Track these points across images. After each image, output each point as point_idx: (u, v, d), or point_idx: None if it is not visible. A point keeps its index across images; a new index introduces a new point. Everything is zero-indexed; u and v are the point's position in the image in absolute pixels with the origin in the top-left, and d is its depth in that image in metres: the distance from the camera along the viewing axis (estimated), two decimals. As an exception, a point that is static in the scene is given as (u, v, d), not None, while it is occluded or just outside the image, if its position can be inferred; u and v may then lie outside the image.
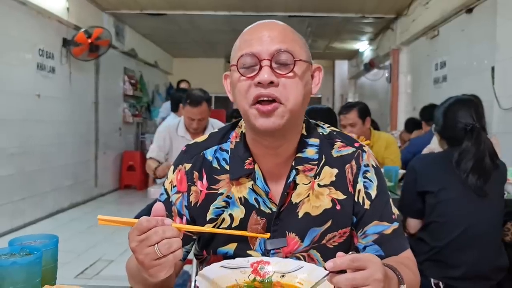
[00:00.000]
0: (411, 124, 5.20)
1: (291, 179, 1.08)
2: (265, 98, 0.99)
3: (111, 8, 7.06)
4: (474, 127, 2.01)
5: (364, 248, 1.09)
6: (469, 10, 4.90)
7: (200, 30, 8.56)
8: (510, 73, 3.92)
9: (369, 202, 1.10)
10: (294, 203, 1.09)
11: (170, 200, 1.14)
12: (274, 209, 1.08)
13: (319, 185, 1.10)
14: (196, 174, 1.13)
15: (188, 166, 1.14)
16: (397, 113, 7.12)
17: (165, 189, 1.16)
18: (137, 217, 0.89)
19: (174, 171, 1.16)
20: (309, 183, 1.09)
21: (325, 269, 0.79)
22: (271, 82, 0.98)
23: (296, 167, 1.09)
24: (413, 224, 2.12)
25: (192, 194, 1.13)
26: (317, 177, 1.10)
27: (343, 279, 0.76)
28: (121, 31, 7.88)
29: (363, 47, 9.75)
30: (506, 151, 3.32)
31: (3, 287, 0.84)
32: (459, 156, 1.99)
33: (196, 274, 0.94)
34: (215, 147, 1.15)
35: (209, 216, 1.11)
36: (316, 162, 1.10)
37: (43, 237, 1.02)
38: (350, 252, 0.79)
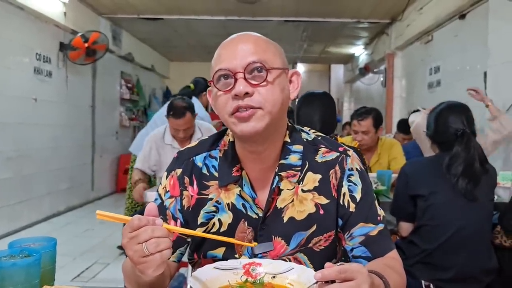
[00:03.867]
0: (403, 125, 5.30)
1: (274, 185, 1.12)
2: (243, 109, 1.02)
3: (108, 12, 7.09)
4: (464, 132, 2.06)
5: (352, 250, 1.13)
6: (462, 16, 4.96)
7: (196, 35, 8.60)
8: (501, 78, 3.97)
9: (354, 205, 1.13)
10: (279, 208, 1.12)
11: (164, 204, 1.18)
12: (261, 214, 1.12)
13: (302, 190, 1.13)
14: (187, 179, 1.17)
15: (179, 171, 1.18)
16: (392, 117, 7.17)
17: (159, 195, 1.20)
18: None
19: (167, 177, 1.20)
20: (293, 188, 1.13)
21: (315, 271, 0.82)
22: (247, 93, 1.01)
23: (279, 173, 1.12)
24: (405, 227, 2.16)
25: (184, 198, 1.17)
26: (301, 182, 1.13)
27: None
28: (118, 35, 7.91)
29: (359, 51, 9.82)
30: (497, 155, 3.36)
31: (4, 285, 0.87)
32: (449, 160, 2.04)
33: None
34: (204, 154, 1.19)
35: (200, 220, 1.15)
36: (299, 168, 1.13)
37: (42, 239, 1.06)
38: (338, 263, 0.83)
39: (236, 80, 1.02)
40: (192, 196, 1.16)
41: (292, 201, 1.13)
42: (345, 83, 12.25)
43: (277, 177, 1.12)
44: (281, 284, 1.01)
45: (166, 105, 3.44)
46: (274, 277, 1.03)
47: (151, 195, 3.36)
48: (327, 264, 0.82)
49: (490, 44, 4.13)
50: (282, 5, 6.64)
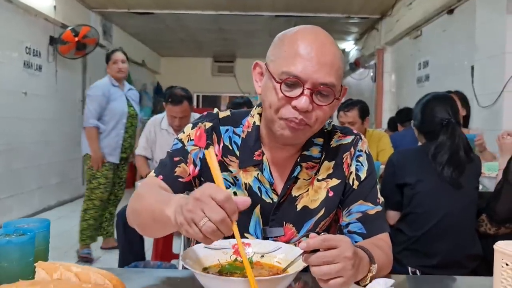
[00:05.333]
0: (393, 123, 5.40)
1: (295, 174, 1.15)
2: (296, 122, 1.04)
3: (98, 6, 7.06)
4: (449, 122, 2.10)
5: (347, 225, 1.17)
6: (450, 11, 5.02)
7: (187, 29, 8.59)
8: (488, 72, 4.04)
9: (357, 183, 1.18)
10: (293, 196, 1.17)
11: (186, 148, 1.19)
12: (275, 199, 1.16)
13: (317, 180, 1.18)
14: (215, 136, 1.19)
15: (208, 124, 1.19)
16: (382, 112, 7.23)
17: (180, 139, 1.21)
18: None
19: (193, 127, 1.20)
20: (309, 179, 1.17)
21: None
22: (306, 110, 1.03)
23: (301, 163, 1.15)
24: (392, 216, 2.20)
25: None
26: (317, 173, 1.18)
27: (314, 258, 0.84)
28: (108, 29, 7.88)
29: (349, 46, 9.86)
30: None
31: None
32: (435, 149, 2.08)
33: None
34: (228, 127, 1.20)
35: None
36: (319, 160, 1.17)
37: (35, 221, 1.08)
38: (322, 233, 0.87)
39: (303, 92, 1.02)
40: (216, 155, 1.14)
41: (307, 190, 1.17)
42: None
43: (298, 167, 1.15)
44: (269, 262, 1.05)
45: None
46: (262, 256, 1.07)
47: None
48: (311, 235, 0.86)
49: (477, 38, 4.19)
50: (273, 0, 6.66)
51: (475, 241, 2.09)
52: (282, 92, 1.03)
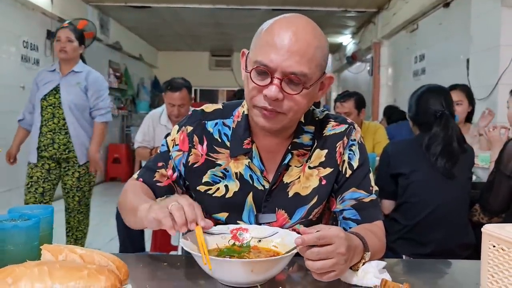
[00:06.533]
0: (389, 110, 5.48)
1: (286, 161, 1.17)
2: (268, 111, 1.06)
3: (95, 0, 7.06)
4: (443, 113, 2.14)
5: (341, 211, 1.19)
6: (446, 4, 5.05)
7: (184, 23, 8.60)
8: (483, 65, 4.08)
9: (350, 172, 1.19)
10: (285, 183, 1.19)
11: (170, 153, 1.25)
12: (267, 186, 1.18)
13: (309, 167, 1.19)
14: (196, 138, 1.22)
15: (190, 128, 1.23)
16: (379, 105, 7.27)
17: (166, 143, 1.27)
18: None
19: (178, 131, 1.25)
20: (301, 166, 1.19)
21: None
22: (276, 99, 1.03)
23: (292, 151, 1.17)
24: (387, 205, 2.24)
25: (192, 155, 1.22)
26: (308, 160, 1.19)
27: (309, 253, 0.88)
28: (105, 23, 7.88)
29: (346, 40, 9.88)
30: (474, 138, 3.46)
31: (4, 248, 0.93)
32: (428, 140, 2.12)
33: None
34: (217, 120, 1.23)
35: (205, 179, 1.21)
36: (310, 148, 1.19)
37: (39, 207, 1.12)
38: (316, 230, 0.89)
39: (272, 81, 1.03)
40: (202, 155, 1.22)
41: (299, 178, 1.19)
42: (333, 73, 12.31)
43: (289, 154, 1.17)
44: (266, 247, 1.09)
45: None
46: (259, 241, 1.10)
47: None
48: (302, 230, 0.90)
49: (473, 31, 4.22)
50: (269, -6, 6.68)
51: (468, 230, 2.14)
52: (252, 81, 1.05)
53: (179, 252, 2.80)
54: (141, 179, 1.25)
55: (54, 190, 3.46)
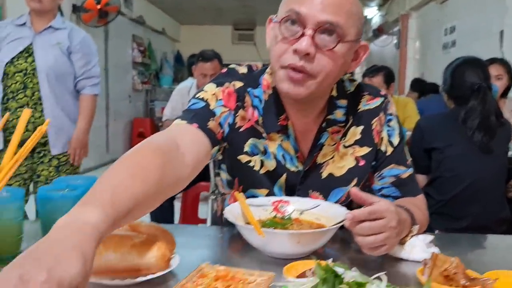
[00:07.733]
0: (416, 83, 5.39)
1: (321, 140, 1.09)
2: (297, 71, 0.95)
3: (119, -26, 7.03)
4: (480, 86, 2.08)
5: (380, 189, 1.16)
6: (480, -26, 4.87)
7: (207, -4, 8.53)
8: (518, 36, 3.94)
9: (391, 149, 1.14)
10: (318, 163, 1.12)
11: (211, 109, 1.05)
12: (300, 167, 1.12)
13: (344, 146, 1.13)
14: (248, 99, 1.09)
15: (239, 84, 1.09)
16: (405, 79, 7.13)
17: (202, 98, 1.07)
18: None
19: (217, 86, 1.08)
20: (334, 144, 1.12)
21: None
22: (308, 54, 0.93)
23: (327, 129, 1.09)
24: (420, 179, 2.20)
25: (238, 115, 1.09)
26: (343, 138, 1.12)
27: (360, 228, 0.84)
28: (129, -3, 7.86)
29: (372, 13, 9.64)
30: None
31: (53, 217, 0.94)
32: (465, 114, 2.07)
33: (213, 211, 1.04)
34: (249, 89, 1.10)
35: (246, 148, 1.10)
36: (343, 124, 1.10)
37: (82, 178, 1.13)
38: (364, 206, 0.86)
39: (303, 34, 0.93)
40: (249, 119, 1.09)
41: (333, 157, 1.12)
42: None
43: (325, 133, 1.09)
44: (308, 219, 1.08)
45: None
46: (301, 213, 1.10)
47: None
48: (354, 191, 0.88)
49: (508, 2, 4.07)
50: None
51: (504, 206, 2.10)
52: (281, 35, 0.95)
53: (208, 225, 2.83)
54: (196, 124, 0.99)
55: (27, 188, 2.66)
